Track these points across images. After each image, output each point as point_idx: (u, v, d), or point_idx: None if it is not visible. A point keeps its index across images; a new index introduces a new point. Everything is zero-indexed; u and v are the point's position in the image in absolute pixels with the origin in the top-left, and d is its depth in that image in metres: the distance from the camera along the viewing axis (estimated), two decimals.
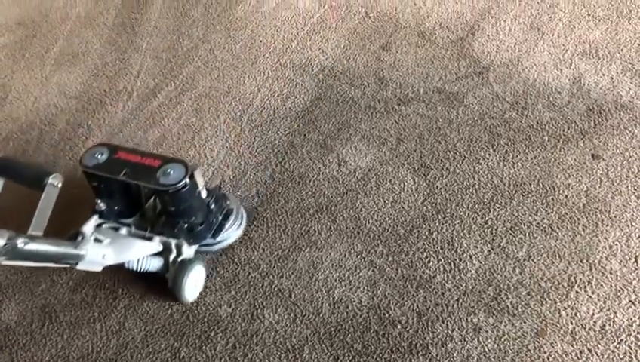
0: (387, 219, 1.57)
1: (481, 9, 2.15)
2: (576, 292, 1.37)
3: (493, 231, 1.50)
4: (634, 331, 1.29)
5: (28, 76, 2.21)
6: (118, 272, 1.51)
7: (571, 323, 1.32)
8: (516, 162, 1.65)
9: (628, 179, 1.57)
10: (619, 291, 1.36)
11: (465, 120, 1.79)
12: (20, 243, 1.11)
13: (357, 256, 1.50)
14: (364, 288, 1.44)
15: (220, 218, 1.48)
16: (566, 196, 1.55)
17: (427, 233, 1.52)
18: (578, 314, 1.33)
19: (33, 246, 1.14)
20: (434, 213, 1.57)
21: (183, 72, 2.11)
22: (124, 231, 1.44)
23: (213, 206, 1.45)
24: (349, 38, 2.12)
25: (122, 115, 1.99)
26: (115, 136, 1.91)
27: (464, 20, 2.12)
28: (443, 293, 1.41)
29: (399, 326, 1.37)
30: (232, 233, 1.52)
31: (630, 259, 1.41)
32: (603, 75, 1.85)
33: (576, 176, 1.59)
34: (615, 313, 1.33)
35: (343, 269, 1.48)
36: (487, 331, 1.33)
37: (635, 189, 1.54)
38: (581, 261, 1.42)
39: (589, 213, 1.51)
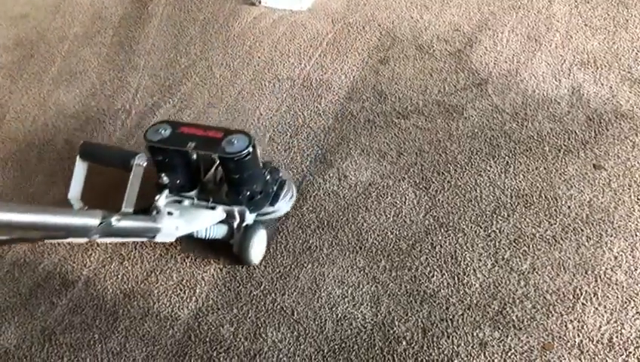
0: (389, 233, 1.55)
1: (478, 21, 2.15)
2: (582, 304, 1.35)
3: (497, 244, 1.49)
4: None
5: (26, 96, 2.20)
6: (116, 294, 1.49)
7: (578, 336, 1.30)
8: (518, 173, 1.64)
9: (630, 188, 1.56)
10: (625, 302, 1.34)
11: (465, 132, 1.78)
12: (114, 221, 1.19)
13: (360, 272, 1.49)
14: (367, 304, 1.42)
15: (275, 188, 1.56)
16: (569, 207, 1.54)
17: (430, 247, 1.51)
18: (585, 327, 1.32)
19: (123, 224, 1.22)
20: (436, 226, 1.55)
21: (181, 89, 2.11)
22: (187, 203, 1.49)
23: (268, 177, 1.54)
24: (346, 53, 2.12)
25: (121, 133, 1.98)
26: None
27: (461, 33, 2.12)
28: (447, 308, 1.39)
29: (404, 343, 1.35)
30: (286, 203, 1.59)
31: (636, 269, 1.40)
32: (602, 84, 1.85)
33: (578, 187, 1.58)
34: (622, 325, 1.31)
35: (345, 285, 1.46)
36: (493, 346, 1.31)
37: (638, 199, 1.53)
38: (586, 272, 1.41)
39: (592, 224, 1.50)
